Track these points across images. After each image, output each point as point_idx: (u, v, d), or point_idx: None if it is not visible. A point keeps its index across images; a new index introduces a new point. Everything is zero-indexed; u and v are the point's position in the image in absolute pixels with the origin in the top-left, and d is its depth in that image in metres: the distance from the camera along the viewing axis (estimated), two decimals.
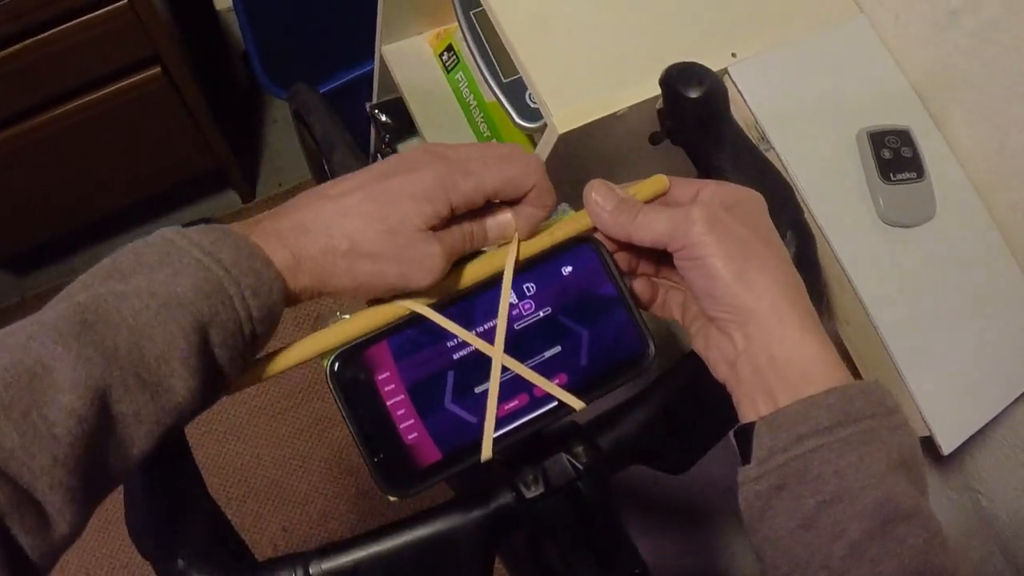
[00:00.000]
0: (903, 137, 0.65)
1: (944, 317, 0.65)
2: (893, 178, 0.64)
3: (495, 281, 0.44)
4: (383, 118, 1.00)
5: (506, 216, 0.43)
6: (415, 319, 0.43)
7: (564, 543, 0.46)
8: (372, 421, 0.41)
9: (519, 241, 0.44)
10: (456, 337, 0.43)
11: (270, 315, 0.37)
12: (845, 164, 0.65)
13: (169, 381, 0.34)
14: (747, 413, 0.40)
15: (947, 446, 0.64)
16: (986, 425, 0.74)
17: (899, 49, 0.68)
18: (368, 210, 0.38)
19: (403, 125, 1.00)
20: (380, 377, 0.42)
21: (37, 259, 1.34)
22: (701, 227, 0.39)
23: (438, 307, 0.43)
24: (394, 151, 1.06)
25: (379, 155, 1.10)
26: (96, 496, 0.33)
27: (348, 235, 0.38)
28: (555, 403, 0.43)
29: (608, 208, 0.42)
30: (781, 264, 0.40)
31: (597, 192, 0.43)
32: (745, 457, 0.39)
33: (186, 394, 0.35)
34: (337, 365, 0.42)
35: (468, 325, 0.43)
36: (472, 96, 0.88)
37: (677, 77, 0.49)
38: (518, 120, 0.75)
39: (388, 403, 0.42)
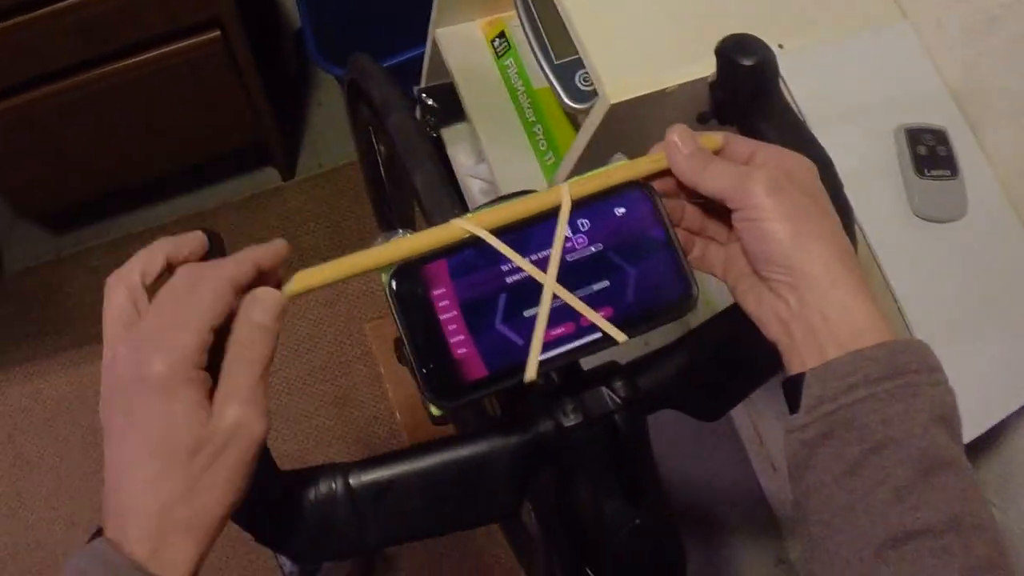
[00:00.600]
0: (939, 136, 0.68)
1: (968, 316, 0.67)
2: (927, 173, 0.66)
3: (551, 214, 0.46)
4: (430, 102, 1.03)
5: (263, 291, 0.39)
6: (473, 242, 0.45)
7: (596, 478, 0.47)
8: (424, 334, 0.43)
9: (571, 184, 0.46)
10: (511, 262, 0.45)
11: None
12: (882, 158, 0.67)
13: None
14: (796, 367, 0.41)
15: None
16: (1000, 437, 0.75)
17: (939, 53, 0.71)
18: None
19: (449, 110, 1.03)
20: (436, 293, 0.44)
21: (75, 219, 1.37)
22: (763, 189, 0.41)
23: (496, 232, 0.45)
24: (438, 135, 1.09)
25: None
26: None
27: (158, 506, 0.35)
28: (599, 334, 0.45)
29: (685, 152, 0.44)
30: (835, 230, 0.42)
31: (679, 135, 0.44)
32: (793, 407, 0.41)
33: None
34: (396, 278, 0.44)
35: (523, 252, 0.45)
36: (520, 82, 0.92)
37: (733, 46, 0.52)
38: (567, 101, 0.77)
39: (441, 317, 0.44)
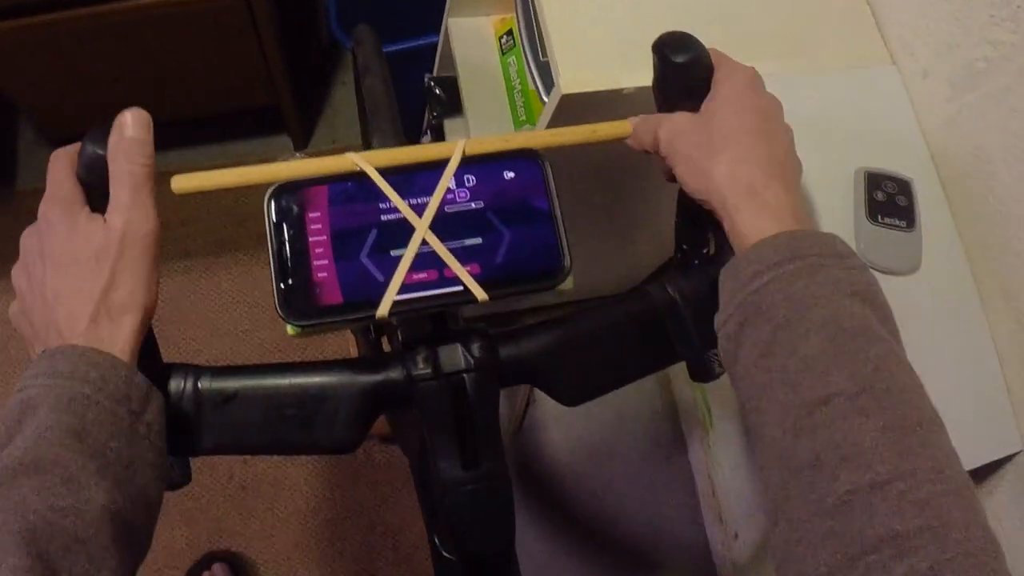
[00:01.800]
0: (902, 186, 0.66)
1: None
2: (880, 220, 0.64)
3: (441, 165, 0.47)
4: (437, 91, 1.06)
5: None
6: (357, 176, 0.46)
7: (437, 436, 0.47)
8: (291, 251, 0.44)
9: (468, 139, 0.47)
10: (389, 201, 0.46)
11: (128, 387, 0.39)
12: (837, 198, 0.66)
13: (85, 494, 0.35)
14: None
15: None
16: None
17: (921, 103, 0.69)
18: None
19: (453, 102, 1.05)
20: (310, 215, 0.45)
21: None
22: (664, 136, 0.48)
23: (384, 172, 0.46)
24: (440, 127, 1.11)
25: (428, 131, 1.16)
26: None
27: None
28: (461, 287, 0.45)
29: (637, 121, 0.51)
30: (740, 152, 0.44)
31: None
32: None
33: (106, 495, 0.36)
34: (276, 193, 0.45)
35: (403, 195, 0.46)
36: (519, 80, 0.93)
37: (667, 42, 0.52)
38: (543, 96, 0.78)
39: (310, 239, 0.45)
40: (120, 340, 0.40)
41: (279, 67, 1.16)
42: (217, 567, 1.18)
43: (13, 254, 0.44)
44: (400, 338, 0.55)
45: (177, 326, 1.32)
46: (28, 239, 0.43)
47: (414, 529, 1.25)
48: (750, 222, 0.43)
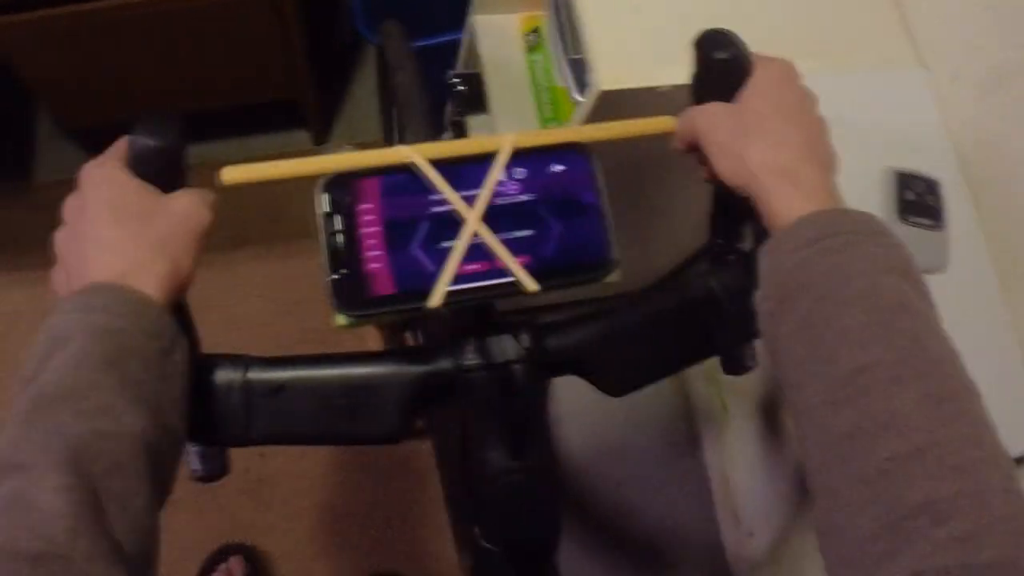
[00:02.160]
0: (931, 186, 0.66)
1: None
2: (909, 220, 0.65)
3: (488, 158, 0.47)
4: (461, 88, 1.06)
5: None
6: (410, 168, 0.46)
7: (484, 425, 0.47)
8: (343, 243, 0.45)
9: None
10: (440, 193, 0.46)
11: (160, 324, 0.40)
12: (868, 196, 0.66)
13: (124, 419, 0.36)
14: None
15: None
16: None
17: (950, 105, 0.70)
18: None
19: (475, 98, 1.05)
20: (362, 207, 0.45)
21: (106, 138, 1.44)
22: (701, 136, 0.48)
23: (434, 163, 0.46)
24: (462, 124, 1.11)
25: (449, 127, 1.16)
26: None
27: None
28: (511, 279, 0.45)
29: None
30: (775, 136, 0.45)
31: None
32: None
33: (142, 423, 0.37)
34: (329, 184, 0.45)
35: (456, 187, 0.46)
36: (544, 77, 0.94)
37: (709, 40, 0.52)
38: (574, 94, 0.79)
39: (362, 230, 0.45)
40: (151, 289, 0.40)
41: (302, 62, 1.16)
42: (233, 560, 1.19)
43: (32, 245, 0.44)
44: (426, 332, 0.56)
45: (195, 318, 1.33)
46: (71, 202, 0.43)
47: (431, 523, 1.25)
48: (786, 203, 0.43)
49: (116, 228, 0.41)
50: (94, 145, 0.45)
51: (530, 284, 0.45)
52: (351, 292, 0.44)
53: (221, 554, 1.20)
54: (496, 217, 0.46)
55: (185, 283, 0.43)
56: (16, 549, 0.31)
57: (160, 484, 0.38)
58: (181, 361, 0.41)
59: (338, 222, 0.45)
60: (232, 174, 0.46)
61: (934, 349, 0.37)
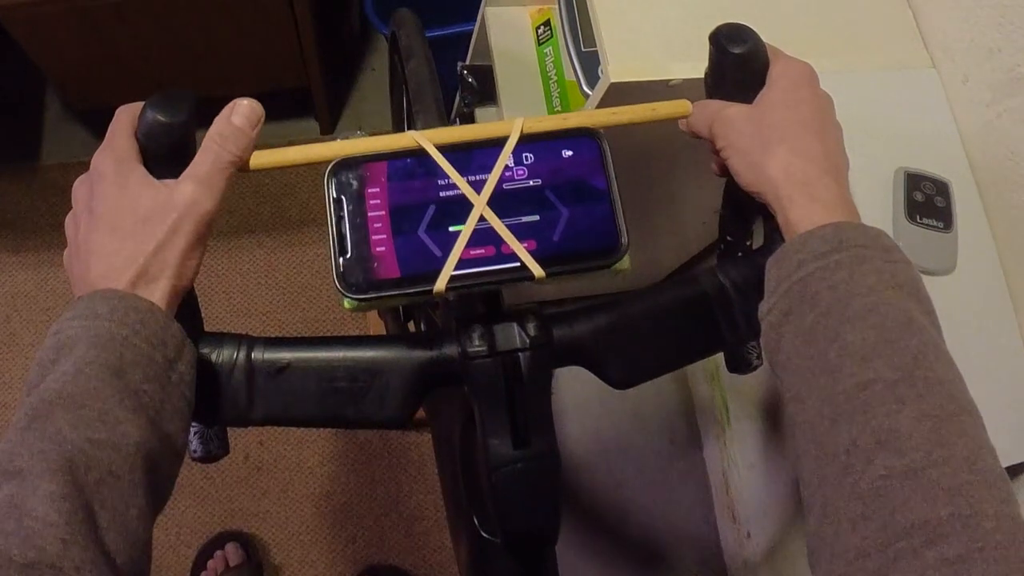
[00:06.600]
0: (940, 187, 0.66)
1: None
2: (918, 220, 0.64)
3: (500, 143, 0.47)
4: (470, 79, 1.06)
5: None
6: (418, 152, 0.46)
7: (488, 413, 0.47)
8: (350, 226, 0.45)
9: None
10: (448, 178, 0.46)
11: (164, 333, 0.40)
12: (876, 196, 0.66)
13: (121, 428, 0.36)
14: None
15: None
16: None
17: (961, 107, 0.69)
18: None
19: (485, 90, 1.05)
20: (370, 190, 0.45)
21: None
22: (719, 140, 0.48)
23: (443, 149, 0.46)
24: (471, 115, 1.11)
25: (458, 119, 1.16)
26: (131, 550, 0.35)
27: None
28: (517, 264, 0.45)
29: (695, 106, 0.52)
30: (795, 146, 0.45)
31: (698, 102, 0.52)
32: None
33: (140, 433, 0.36)
34: (337, 168, 0.45)
35: (463, 172, 0.46)
36: (555, 70, 0.93)
37: (725, 33, 0.52)
38: (585, 87, 0.79)
39: (369, 214, 0.45)
40: (156, 296, 0.41)
41: (312, 50, 1.16)
42: (230, 547, 1.19)
43: (39, 227, 0.44)
44: (439, 318, 0.56)
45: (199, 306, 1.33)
46: (79, 188, 0.43)
47: (428, 515, 1.25)
48: (803, 215, 0.43)
49: (120, 234, 0.41)
50: (103, 128, 0.45)
51: (537, 270, 0.45)
52: (357, 275, 0.44)
53: (217, 541, 1.20)
54: (503, 202, 0.46)
55: (190, 280, 0.43)
56: (8, 557, 0.31)
57: (156, 494, 0.38)
58: (186, 371, 0.40)
59: (346, 206, 0.45)
60: (258, 159, 0.46)
61: (937, 369, 0.37)
